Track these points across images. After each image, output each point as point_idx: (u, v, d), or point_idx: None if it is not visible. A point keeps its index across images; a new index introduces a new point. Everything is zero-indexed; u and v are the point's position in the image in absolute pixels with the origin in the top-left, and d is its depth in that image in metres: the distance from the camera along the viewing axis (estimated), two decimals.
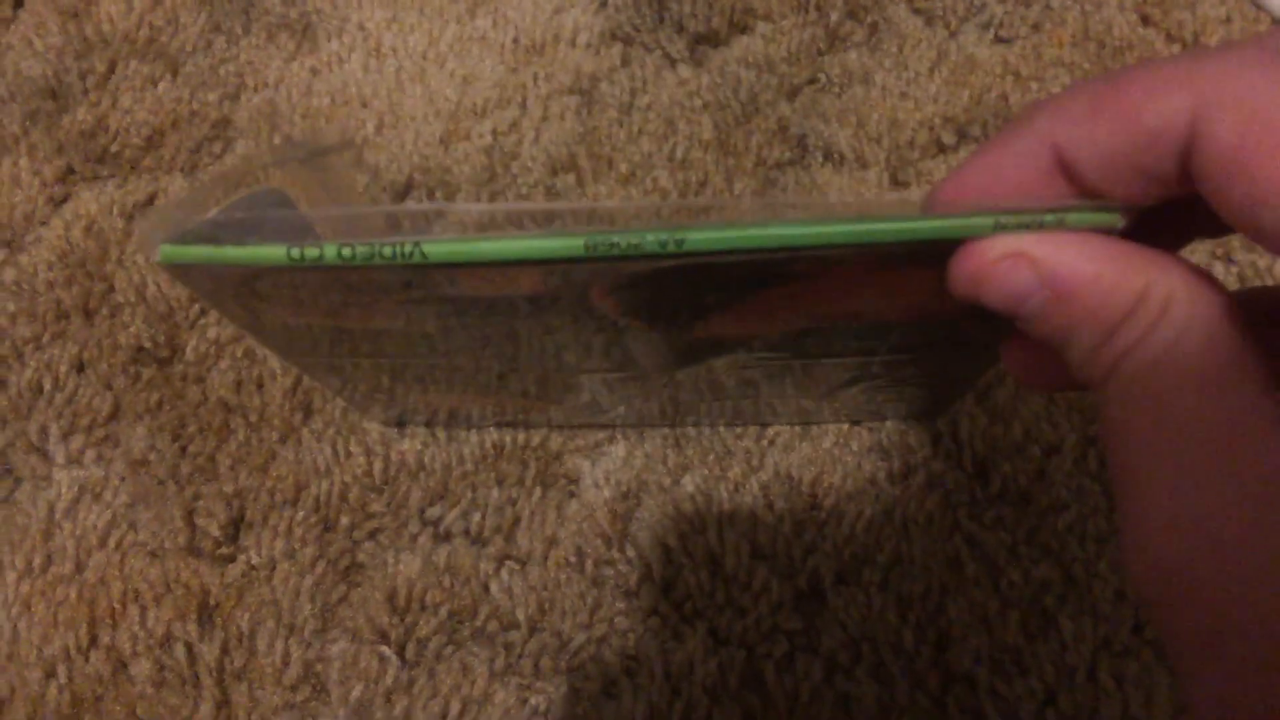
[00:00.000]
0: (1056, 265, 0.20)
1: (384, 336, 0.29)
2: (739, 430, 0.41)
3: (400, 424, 0.41)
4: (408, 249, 0.22)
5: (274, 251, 0.22)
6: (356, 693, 0.36)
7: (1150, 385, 0.19)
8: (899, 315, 0.28)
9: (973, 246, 0.21)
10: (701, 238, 0.21)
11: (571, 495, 0.40)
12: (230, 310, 0.28)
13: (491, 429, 0.41)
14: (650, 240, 0.21)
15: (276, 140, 0.49)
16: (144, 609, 0.38)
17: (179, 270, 0.24)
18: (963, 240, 0.21)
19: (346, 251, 0.22)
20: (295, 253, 0.22)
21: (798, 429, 0.41)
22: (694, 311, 0.27)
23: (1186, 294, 0.19)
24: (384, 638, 0.37)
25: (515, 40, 0.51)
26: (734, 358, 0.32)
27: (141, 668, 0.37)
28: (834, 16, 0.51)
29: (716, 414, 0.40)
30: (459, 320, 0.27)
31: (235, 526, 0.39)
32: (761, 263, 0.22)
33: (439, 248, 0.22)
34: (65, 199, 0.47)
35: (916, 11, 0.52)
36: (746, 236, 0.21)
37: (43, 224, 0.47)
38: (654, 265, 0.22)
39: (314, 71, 0.51)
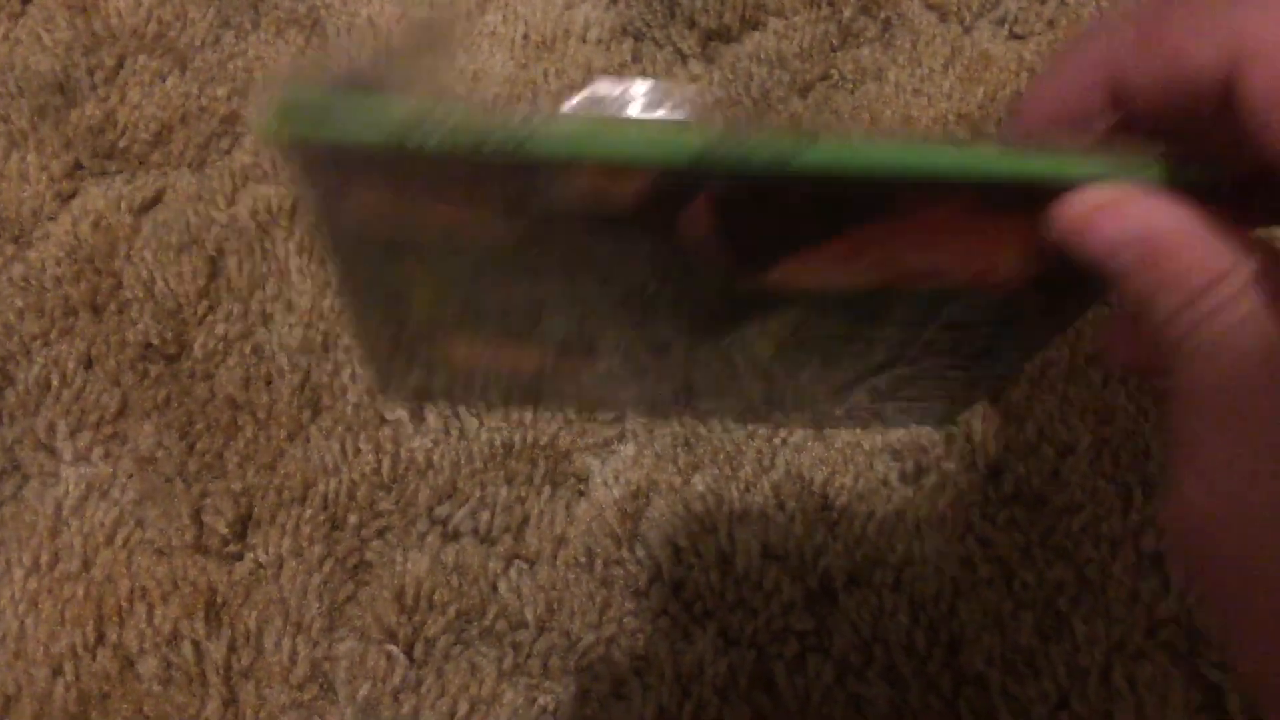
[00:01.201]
0: (1156, 223, 0.20)
1: (455, 243, 0.28)
2: (750, 429, 0.40)
3: (422, 397, 0.40)
4: (514, 142, 0.21)
5: (376, 133, 0.22)
6: (364, 691, 0.36)
7: (1223, 351, 0.19)
8: (969, 277, 0.28)
9: (1080, 193, 0.21)
10: (832, 150, 0.21)
11: (581, 494, 0.40)
12: (321, 192, 0.27)
13: (503, 428, 0.40)
14: (777, 146, 0.21)
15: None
16: (151, 607, 0.38)
17: (292, 137, 0.23)
18: (1069, 186, 0.21)
19: (451, 141, 0.21)
20: (397, 136, 0.22)
21: (810, 429, 0.40)
22: (782, 246, 0.26)
23: (1270, 271, 0.20)
24: (392, 636, 0.37)
25: (525, 36, 0.50)
26: (782, 319, 0.31)
27: (149, 665, 0.37)
28: (847, 12, 0.51)
29: (727, 407, 0.39)
30: (534, 234, 0.27)
31: (243, 524, 0.39)
32: (871, 190, 0.22)
33: (544, 143, 0.21)
34: (73, 194, 0.47)
35: (930, 7, 0.51)
36: (880, 153, 0.21)
37: (51, 219, 0.46)
38: (774, 177, 0.22)
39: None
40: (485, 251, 0.29)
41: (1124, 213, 0.21)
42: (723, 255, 0.27)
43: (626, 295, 0.31)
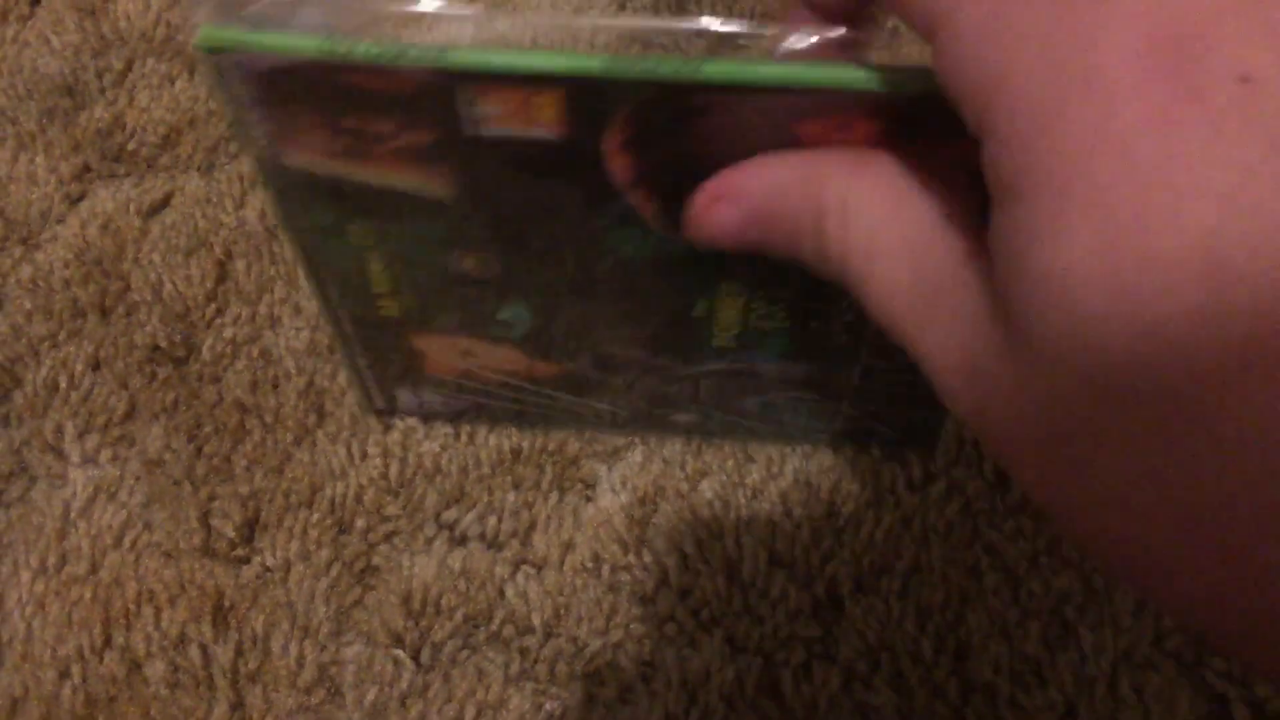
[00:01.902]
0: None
1: (395, 199, 0.29)
2: (760, 434, 0.40)
3: (414, 413, 0.40)
4: (433, 53, 0.23)
5: (308, 42, 0.23)
6: (371, 696, 0.36)
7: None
8: None
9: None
10: (718, 69, 0.23)
11: (588, 500, 0.40)
12: (252, 132, 0.27)
13: (511, 433, 0.40)
14: (668, 68, 0.23)
15: None
16: (158, 610, 0.38)
17: (215, 60, 0.24)
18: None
19: (374, 50, 0.23)
20: (327, 45, 0.23)
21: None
22: (696, 182, 0.27)
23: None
24: (399, 641, 0.37)
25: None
26: (732, 292, 0.31)
27: (156, 669, 0.37)
28: None
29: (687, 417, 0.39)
30: (473, 187, 0.28)
31: (250, 528, 0.39)
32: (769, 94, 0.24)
33: (462, 54, 0.23)
34: (82, 197, 0.47)
35: None
36: (762, 73, 0.23)
37: (59, 222, 0.47)
38: (671, 100, 0.24)
39: None
40: (426, 213, 0.29)
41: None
42: (648, 201, 0.27)
43: (570, 258, 0.31)
